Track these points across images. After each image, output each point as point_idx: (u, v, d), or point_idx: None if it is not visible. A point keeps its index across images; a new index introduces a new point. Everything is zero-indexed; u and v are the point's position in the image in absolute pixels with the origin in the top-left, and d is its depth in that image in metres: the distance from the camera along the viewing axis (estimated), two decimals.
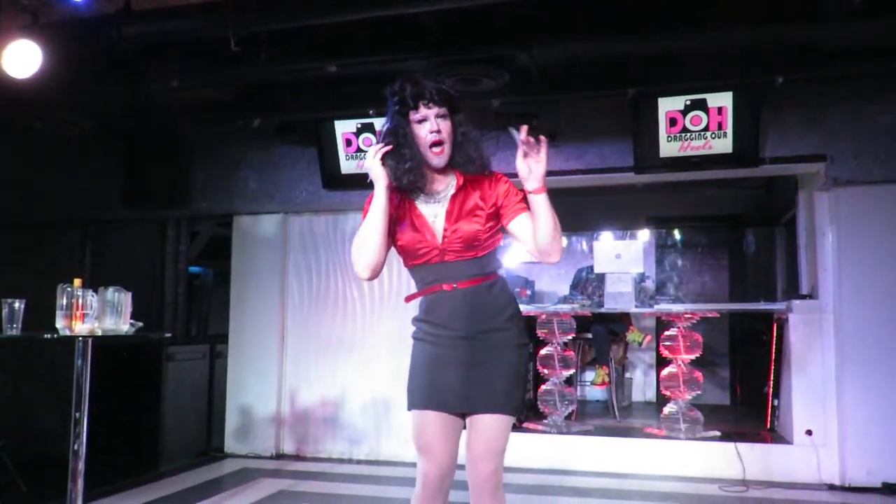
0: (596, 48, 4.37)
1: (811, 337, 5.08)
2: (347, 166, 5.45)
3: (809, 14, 3.84)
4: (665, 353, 5.58)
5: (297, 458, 5.70)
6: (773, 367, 5.53)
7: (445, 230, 2.21)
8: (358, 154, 5.41)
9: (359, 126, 5.34)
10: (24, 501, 4.34)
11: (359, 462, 5.64)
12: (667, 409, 5.53)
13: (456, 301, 2.21)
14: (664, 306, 5.67)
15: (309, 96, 5.01)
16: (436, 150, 2.18)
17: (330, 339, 5.86)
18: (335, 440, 5.78)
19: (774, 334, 5.53)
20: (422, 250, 2.23)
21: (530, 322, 6.13)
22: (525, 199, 2.20)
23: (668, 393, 5.55)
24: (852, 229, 4.97)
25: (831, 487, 4.81)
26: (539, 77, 4.58)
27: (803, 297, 5.28)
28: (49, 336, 2.91)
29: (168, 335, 4.93)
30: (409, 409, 2.28)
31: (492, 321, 2.22)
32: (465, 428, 2.30)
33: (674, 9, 3.99)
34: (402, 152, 2.17)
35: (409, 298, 2.42)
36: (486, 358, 2.21)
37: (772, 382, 5.57)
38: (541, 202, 2.13)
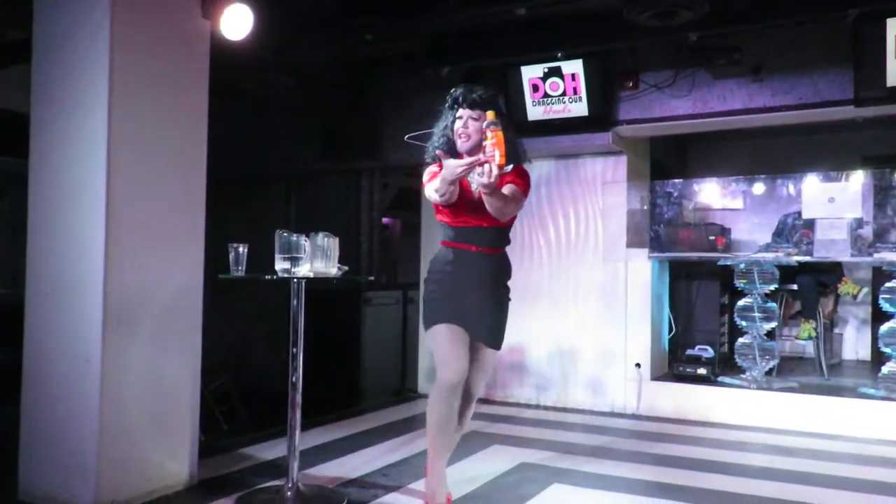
0: None
1: None
2: (533, 112, 5.38)
3: None
4: (886, 306, 5.05)
5: (487, 401, 5.85)
6: None
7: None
8: (545, 100, 5.32)
9: (545, 70, 5.23)
10: (245, 428, 4.81)
11: (546, 408, 5.69)
12: (886, 369, 5.03)
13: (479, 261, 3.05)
14: (885, 255, 5.10)
15: (496, 42, 4.98)
16: (462, 137, 2.97)
17: (516, 288, 5.80)
18: (522, 386, 5.87)
19: None
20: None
21: (726, 272, 5.80)
22: (514, 175, 2.96)
23: (888, 350, 5.04)
24: None
25: None
26: (743, 4, 4.20)
27: None
28: (270, 277, 3.17)
29: (371, 278, 5.19)
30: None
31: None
32: None
33: None
34: (444, 139, 3.06)
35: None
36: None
37: None
38: (488, 199, 2.77)
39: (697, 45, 4.79)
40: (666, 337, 5.97)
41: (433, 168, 3.01)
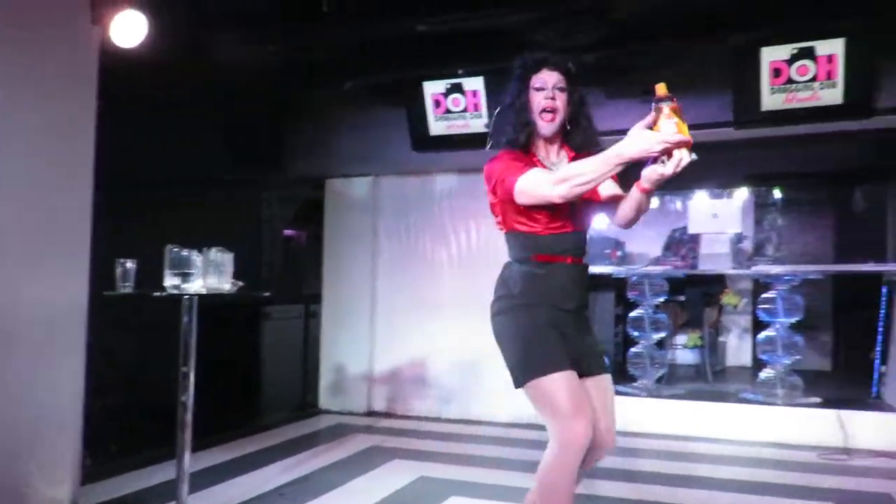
0: None
1: None
2: (436, 128, 5.43)
3: None
4: (763, 316, 5.39)
5: (389, 415, 5.85)
6: (880, 332, 5.25)
7: None
8: (446, 115, 5.38)
9: (448, 87, 5.30)
10: (136, 449, 4.59)
11: (448, 421, 5.72)
12: (763, 374, 5.36)
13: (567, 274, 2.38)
14: (763, 268, 5.45)
15: (399, 57, 5.00)
16: (546, 116, 2.27)
17: (419, 300, 5.93)
18: (425, 399, 5.88)
19: (884, 297, 5.23)
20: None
21: (620, 284, 6.03)
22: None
23: (765, 357, 5.37)
24: None
25: None
26: (634, 28, 4.42)
27: None
28: (159, 294, 3.06)
29: (267, 294, 5.10)
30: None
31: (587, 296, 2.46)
32: None
33: None
34: (517, 116, 2.29)
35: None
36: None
37: (879, 348, 5.29)
38: (645, 198, 2.24)
39: (593, 66, 4.98)
40: None
41: (512, 160, 2.28)
